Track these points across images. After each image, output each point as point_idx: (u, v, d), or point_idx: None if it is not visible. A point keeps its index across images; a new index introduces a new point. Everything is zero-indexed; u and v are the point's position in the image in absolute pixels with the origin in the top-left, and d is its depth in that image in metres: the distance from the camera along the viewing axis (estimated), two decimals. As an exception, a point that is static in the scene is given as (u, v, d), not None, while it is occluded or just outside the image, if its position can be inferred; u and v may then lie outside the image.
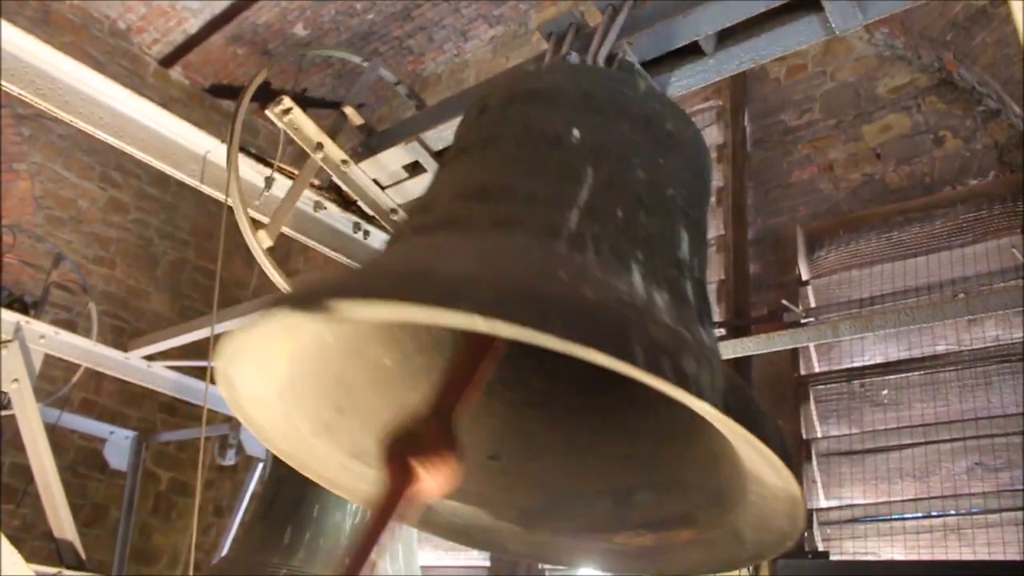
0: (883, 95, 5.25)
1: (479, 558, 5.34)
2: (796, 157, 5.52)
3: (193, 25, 8.15)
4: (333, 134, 2.36)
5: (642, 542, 1.36)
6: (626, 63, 1.68)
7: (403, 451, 0.93)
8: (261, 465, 4.66)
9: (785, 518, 1.15)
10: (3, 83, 2.06)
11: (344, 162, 2.32)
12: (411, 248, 1.22)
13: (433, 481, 0.92)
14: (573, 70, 1.51)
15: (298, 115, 2.30)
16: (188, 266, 8.61)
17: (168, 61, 8.63)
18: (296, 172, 2.38)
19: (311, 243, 2.45)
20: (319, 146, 2.31)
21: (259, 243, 2.17)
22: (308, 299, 0.93)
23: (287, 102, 2.28)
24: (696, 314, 1.22)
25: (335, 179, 2.38)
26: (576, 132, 1.34)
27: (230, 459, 4.57)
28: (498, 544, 1.46)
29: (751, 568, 3.17)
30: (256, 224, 2.22)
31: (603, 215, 1.20)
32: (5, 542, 1.68)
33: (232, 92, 8.89)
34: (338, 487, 1.40)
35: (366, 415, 1.39)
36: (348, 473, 1.40)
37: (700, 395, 0.87)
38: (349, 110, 2.45)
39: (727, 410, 0.89)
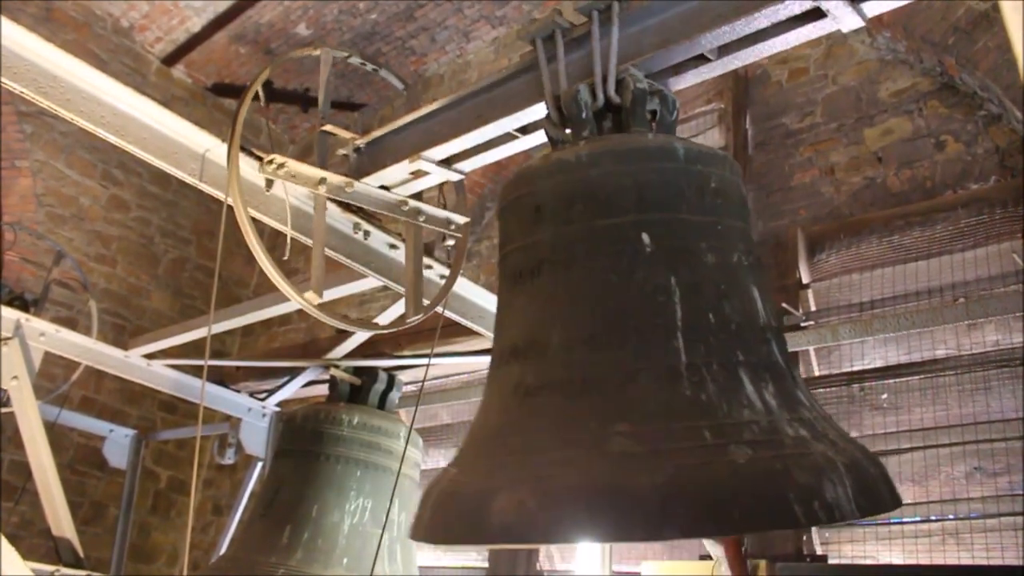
0: (885, 99, 5.25)
1: (477, 558, 5.34)
2: (797, 160, 5.52)
3: (196, 24, 8.15)
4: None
5: None
6: (639, 91, 1.68)
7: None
8: (260, 464, 4.66)
9: None
10: (5, 81, 2.06)
11: (348, 184, 2.32)
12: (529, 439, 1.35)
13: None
14: (612, 155, 1.54)
15: (292, 165, 2.31)
16: (189, 264, 8.61)
17: (171, 60, 8.63)
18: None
19: (308, 241, 2.44)
20: (322, 180, 2.31)
21: (308, 302, 2.21)
22: None
23: (277, 158, 2.30)
24: (789, 373, 1.39)
25: (343, 199, 2.38)
26: (645, 237, 1.41)
27: (229, 458, 4.57)
28: None
29: (749, 572, 3.17)
30: (297, 285, 2.25)
31: (699, 327, 1.34)
32: (3, 540, 1.68)
33: (234, 91, 8.89)
34: None
35: None
36: None
37: (843, 518, 1.14)
38: (331, 127, 2.46)
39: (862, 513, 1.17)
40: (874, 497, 1.24)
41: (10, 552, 1.63)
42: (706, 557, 3.70)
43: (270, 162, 2.29)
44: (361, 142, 2.40)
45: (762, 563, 3.17)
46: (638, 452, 1.17)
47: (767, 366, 1.35)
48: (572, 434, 1.26)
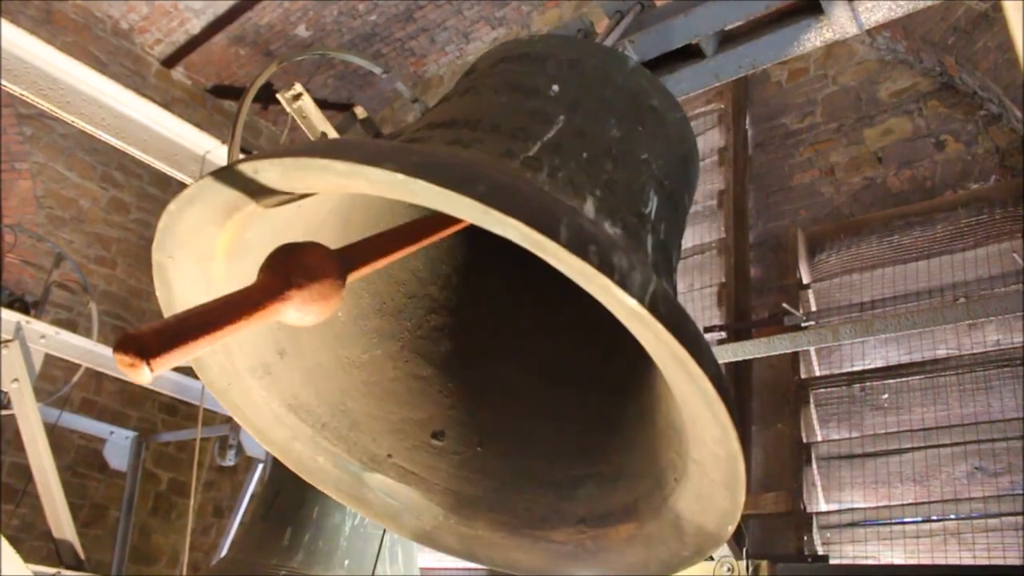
0: (885, 99, 5.25)
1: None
2: (797, 160, 5.52)
3: (195, 26, 8.16)
4: (340, 132, 2.36)
5: (581, 539, 1.32)
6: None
7: (286, 263, 0.84)
8: (261, 466, 4.66)
9: (725, 489, 1.07)
10: (5, 83, 2.06)
11: None
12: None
13: (301, 302, 0.83)
14: (564, 40, 1.50)
15: (308, 103, 2.30)
16: (189, 266, 8.60)
17: (170, 61, 8.64)
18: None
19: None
20: (323, 135, 2.31)
21: None
22: (232, 168, 0.89)
23: (299, 87, 2.29)
24: (650, 262, 1.16)
25: None
26: (555, 87, 1.32)
27: (230, 460, 4.56)
28: (428, 535, 1.40)
29: (750, 572, 3.16)
30: None
31: (566, 153, 1.18)
32: (4, 542, 1.68)
33: (234, 93, 8.90)
34: (270, 443, 1.33)
35: (309, 365, 1.35)
36: (282, 428, 1.34)
37: (625, 288, 0.80)
38: (359, 109, 2.45)
39: (654, 310, 0.81)
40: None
41: (11, 554, 1.63)
42: (707, 557, 3.70)
43: (290, 87, 2.30)
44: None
45: (763, 563, 3.16)
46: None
47: (625, 226, 1.16)
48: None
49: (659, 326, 0.82)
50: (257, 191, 0.94)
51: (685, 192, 1.45)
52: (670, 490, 1.20)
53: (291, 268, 0.84)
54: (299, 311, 0.84)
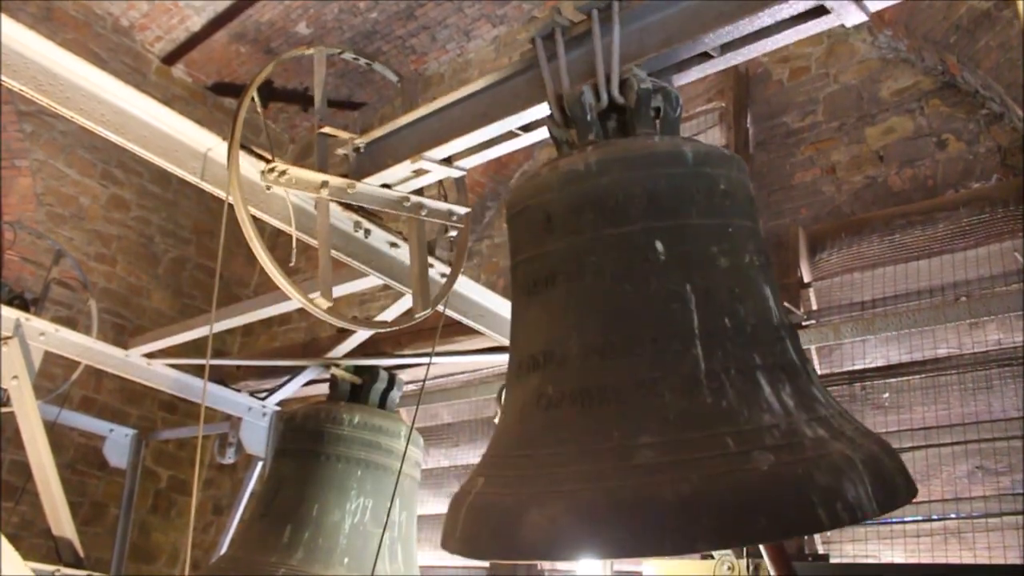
0: (886, 98, 5.24)
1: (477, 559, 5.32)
2: (799, 159, 5.51)
3: (196, 23, 8.15)
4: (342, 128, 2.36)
5: None
6: (643, 92, 1.68)
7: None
8: (261, 464, 4.65)
9: None
10: (4, 79, 2.05)
11: (350, 186, 2.32)
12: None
13: None
14: (621, 163, 1.54)
15: (293, 171, 2.31)
16: (189, 264, 8.61)
17: (171, 59, 8.63)
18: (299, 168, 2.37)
19: (312, 242, 2.43)
20: (324, 184, 2.31)
21: (318, 306, 2.20)
22: None
23: (279, 165, 2.29)
24: (804, 371, 1.40)
25: (345, 201, 2.38)
26: (658, 245, 1.41)
27: (230, 457, 4.56)
28: None
29: (750, 571, 3.16)
30: (307, 291, 2.24)
31: (716, 333, 1.34)
32: (4, 540, 1.67)
33: (235, 90, 8.89)
34: None
35: None
36: None
37: (865, 518, 1.14)
38: (329, 129, 2.46)
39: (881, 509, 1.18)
40: (892, 490, 1.26)
41: (10, 552, 1.62)
42: (708, 556, 3.69)
43: (271, 170, 2.28)
44: (361, 142, 2.39)
45: (764, 562, 3.16)
46: (662, 463, 1.18)
47: (783, 366, 1.36)
48: (596, 446, 1.26)
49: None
50: None
51: (759, 227, 1.62)
52: None
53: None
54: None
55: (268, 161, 2.32)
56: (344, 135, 2.42)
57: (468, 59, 7.93)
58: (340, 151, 2.41)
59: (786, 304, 4.62)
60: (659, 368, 1.30)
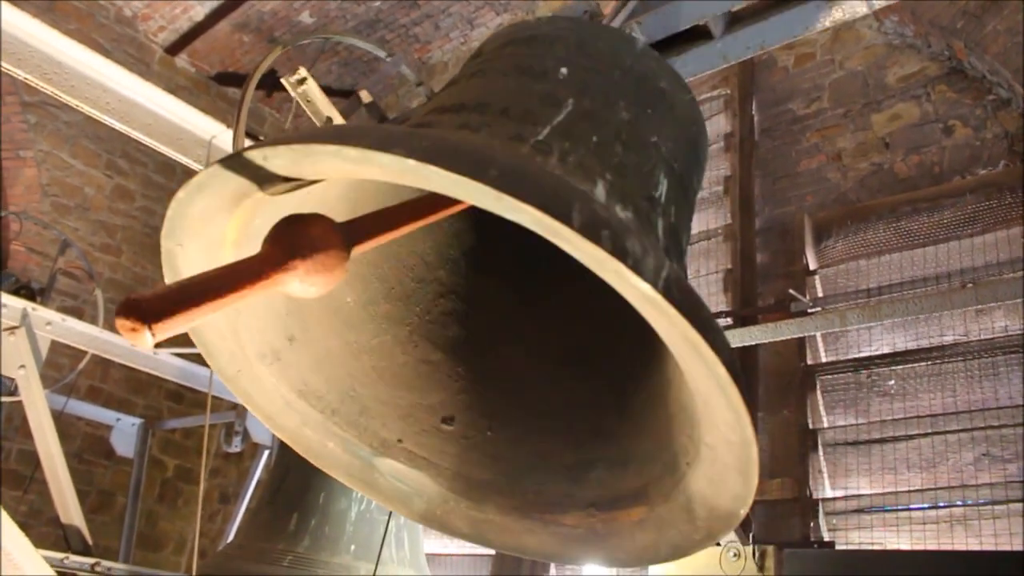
0: (892, 84, 5.22)
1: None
2: (804, 146, 5.50)
3: (199, 13, 8.13)
4: (345, 117, 2.35)
5: (592, 523, 1.31)
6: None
7: (290, 235, 0.84)
8: (267, 452, 4.67)
9: (737, 474, 1.07)
10: (9, 68, 2.05)
11: None
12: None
13: (304, 273, 0.83)
14: (572, 22, 1.49)
15: (312, 87, 2.30)
16: (194, 254, 8.60)
17: (174, 49, 8.62)
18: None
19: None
20: (328, 120, 2.30)
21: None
22: (241, 155, 0.88)
23: (303, 72, 2.28)
24: (662, 246, 1.16)
25: None
26: (564, 70, 1.32)
27: (236, 446, 4.57)
28: (439, 519, 1.40)
29: (756, 558, 3.16)
30: None
31: (575, 136, 1.18)
32: (15, 527, 1.68)
33: (238, 80, 8.88)
34: (280, 429, 1.32)
35: (318, 351, 1.35)
36: (292, 414, 1.34)
37: (638, 272, 0.80)
38: (364, 93, 2.45)
39: (667, 295, 0.81)
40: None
41: (22, 540, 1.63)
42: (714, 544, 3.71)
43: (295, 72, 2.29)
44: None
45: (770, 549, 3.16)
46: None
47: (636, 209, 1.16)
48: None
49: (673, 311, 0.82)
50: (266, 178, 0.93)
51: (695, 175, 1.44)
52: (681, 474, 1.19)
53: (295, 239, 0.84)
54: (302, 282, 0.84)
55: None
56: (368, 98, 2.42)
57: (472, 47, 7.90)
58: None
59: (792, 291, 4.62)
60: (491, 121, 1.19)
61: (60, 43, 2.14)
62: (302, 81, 2.29)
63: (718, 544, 3.52)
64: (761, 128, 5.76)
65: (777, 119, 5.72)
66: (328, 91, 7.41)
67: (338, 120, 2.32)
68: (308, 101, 2.30)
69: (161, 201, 8.44)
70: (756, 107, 5.84)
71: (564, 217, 0.78)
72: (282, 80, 2.30)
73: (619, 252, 0.80)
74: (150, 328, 0.69)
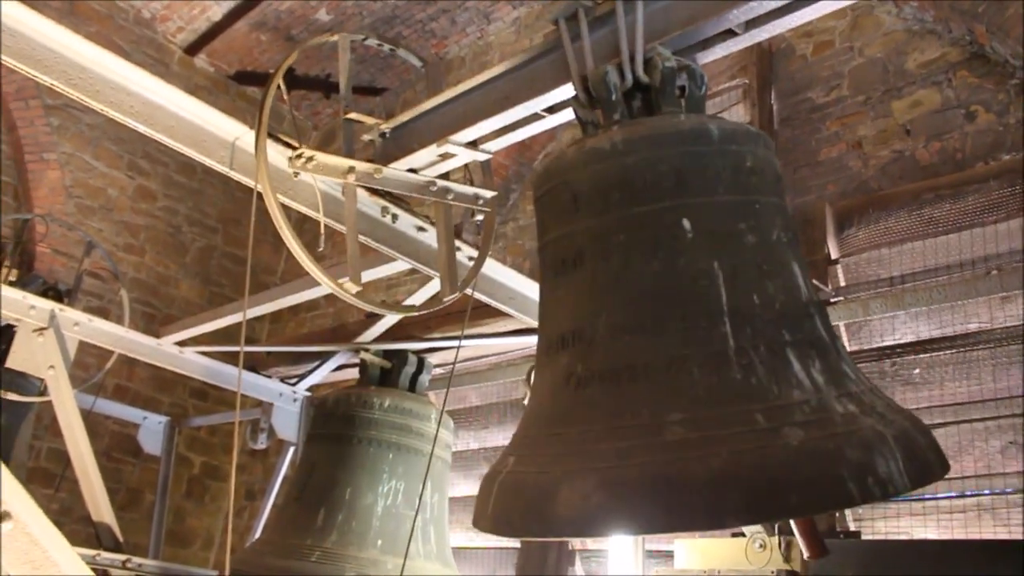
0: (913, 70, 5.17)
1: (509, 539, 5.36)
2: (824, 135, 5.46)
3: (217, 12, 8.18)
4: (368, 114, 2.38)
5: None
6: (667, 70, 1.67)
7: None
8: (292, 449, 4.71)
9: None
10: (36, 74, 2.08)
11: (376, 171, 2.33)
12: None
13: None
14: (647, 141, 1.54)
15: (320, 157, 2.32)
16: (216, 252, 8.68)
17: (193, 49, 8.67)
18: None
19: (340, 228, 2.45)
20: (350, 170, 2.33)
21: (347, 291, 2.21)
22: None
23: (305, 152, 2.30)
24: (834, 347, 1.40)
25: (372, 187, 2.39)
26: (686, 223, 1.40)
27: (261, 443, 4.61)
28: None
29: (782, 548, 3.16)
30: (335, 275, 2.25)
31: (744, 310, 1.33)
32: (51, 526, 1.72)
33: (257, 79, 8.93)
34: None
35: None
36: None
37: (896, 493, 1.14)
38: (354, 115, 2.47)
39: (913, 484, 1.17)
40: (924, 466, 1.25)
41: (59, 538, 1.66)
42: (739, 534, 3.70)
43: (298, 156, 2.30)
44: (386, 127, 2.40)
45: (795, 539, 3.16)
46: (692, 439, 1.18)
47: (812, 342, 1.36)
48: (626, 423, 1.27)
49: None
50: None
51: (785, 203, 1.63)
52: None
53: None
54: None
55: (294, 148, 2.34)
56: (370, 120, 2.43)
57: (488, 42, 7.90)
58: (366, 137, 2.43)
59: (814, 281, 4.59)
60: (687, 346, 1.31)
61: (84, 48, 2.16)
62: (310, 159, 2.31)
63: (743, 535, 3.52)
64: (780, 118, 5.73)
65: (796, 108, 5.68)
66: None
67: (357, 164, 2.33)
68: (324, 169, 2.33)
69: (183, 201, 8.52)
70: (775, 96, 5.80)
71: (849, 502, 1.20)
72: (290, 168, 2.32)
73: (883, 490, 1.18)
74: None
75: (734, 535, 3.82)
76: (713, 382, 1.26)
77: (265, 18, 8.14)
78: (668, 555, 4.21)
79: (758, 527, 3.21)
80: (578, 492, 1.21)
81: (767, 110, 5.75)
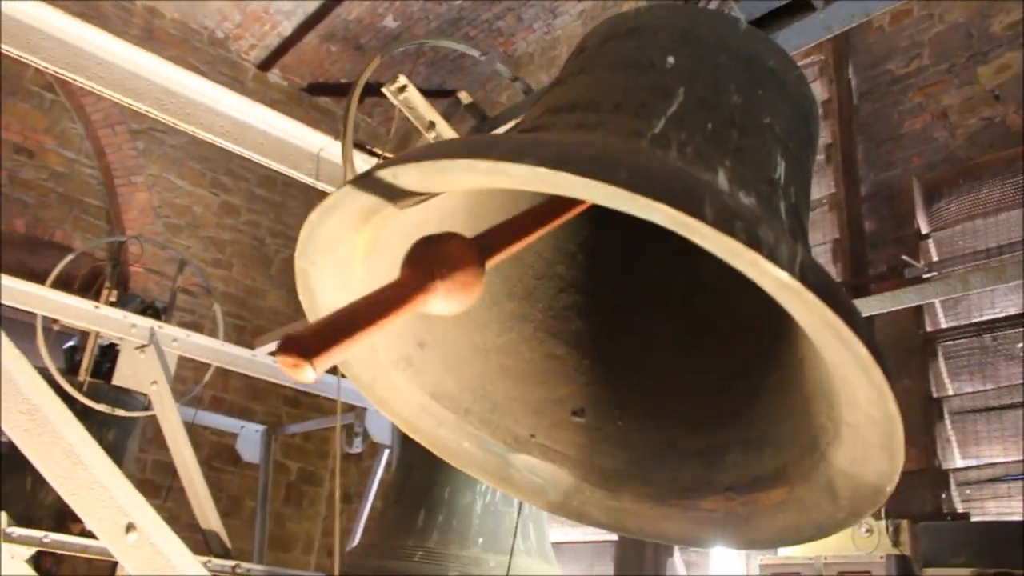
0: (998, 33, 4.99)
1: (606, 532, 5.36)
2: (907, 107, 5.31)
3: (287, 28, 8.35)
4: (447, 119, 2.39)
5: (731, 507, 1.31)
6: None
7: (428, 256, 0.87)
8: (387, 451, 4.78)
9: (881, 451, 1.05)
10: (130, 102, 2.16)
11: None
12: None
13: (446, 292, 0.85)
14: (673, 9, 1.48)
15: (413, 93, 2.34)
16: (300, 262, 8.86)
17: (266, 65, 8.88)
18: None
19: (427, 232, 2.47)
20: (431, 125, 2.34)
21: None
22: (372, 175, 0.92)
23: (403, 79, 2.32)
24: (787, 229, 1.16)
25: None
26: (670, 59, 1.32)
27: (357, 447, 4.70)
28: (576, 509, 1.41)
29: (890, 532, 3.09)
30: None
31: (691, 126, 1.18)
32: (172, 534, 1.79)
33: (329, 89, 9.09)
34: (418, 432, 1.37)
35: (449, 353, 1.38)
36: (427, 416, 1.38)
37: (774, 261, 0.80)
38: (463, 95, 2.48)
39: (804, 280, 0.81)
40: None
41: (179, 546, 1.73)
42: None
43: (394, 80, 2.33)
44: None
45: (903, 523, 3.09)
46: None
47: (759, 194, 1.16)
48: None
49: (811, 296, 0.82)
50: (395, 194, 0.97)
51: (809, 152, 1.42)
52: (820, 455, 1.18)
53: (433, 260, 0.86)
54: (445, 301, 0.86)
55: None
56: (469, 99, 2.46)
57: (556, 36, 7.89)
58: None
59: (905, 257, 4.47)
60: (606, 118, 1.19)
61: (174, 73, 2.24)
62: (403, 88, 2.34)
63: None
64: (860, 92, 5.58)
65: (876, 81, 5.53)
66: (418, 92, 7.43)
67: (441, 123, 2.36)
68: (410, 107, 2.35)
69: (265, 213, 8.72)
70: (853, 70, 5.66)
71: (697, 212, 0.79)
72: (383, 89, 2.35)
73: (753, 242, 0.80)
74: (311, 363, 0.73)
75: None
76: (615, 140, 1.14)
77: (334, 29, 8.28)
78: (769, 543, 4.15)
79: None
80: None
81: (845, 85, 5.62)
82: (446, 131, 2.35)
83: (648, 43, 1.39)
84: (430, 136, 2.34)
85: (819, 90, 5.72)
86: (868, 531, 3.15)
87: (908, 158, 5.19)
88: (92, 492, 1.75)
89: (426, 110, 2.34)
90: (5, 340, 1.73)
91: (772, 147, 1.29)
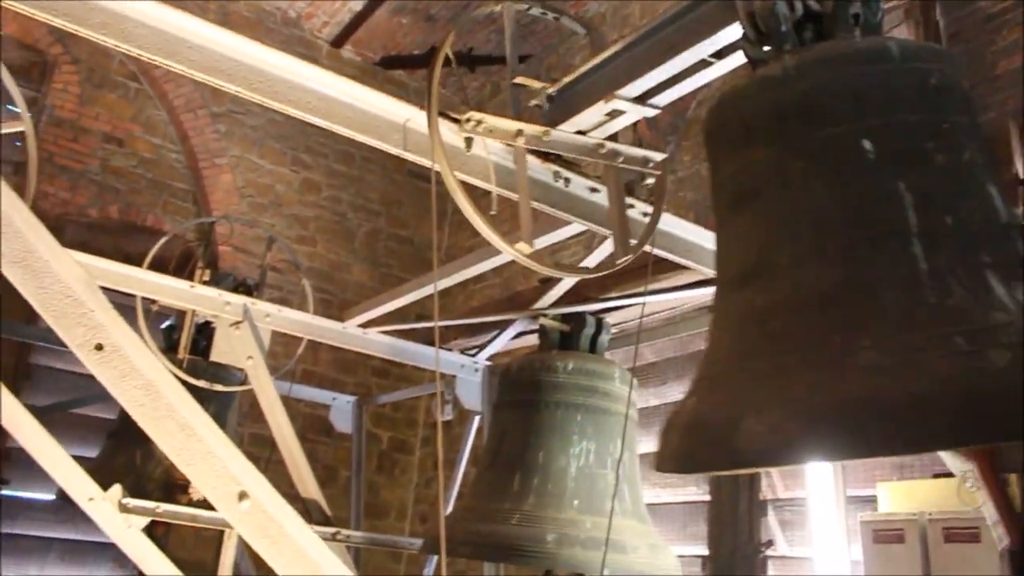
0: (1099, -39, 4.72)
1: (698, 492, 5.34)
2: (1000, 46, 5.07)
3: (358, 3, 8.41)
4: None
5: None
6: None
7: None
8: (478, 418, 4.84)
9: None
10: (221, 84, 2.21)
11: (545, 133, 2.34)
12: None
13: None
14: (822, 64, 1.46)
15: (490, 120, 2.33)
16: (382, 235, 9.00)
17: (339, 41, 8.96)
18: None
19: (512, 196, 2.47)
20: (519, 132, 2.33)
21: (520, 252, 2.21)
22: None
23: (474, 115, 2.31)
24: None
25: (541, 149, 2.40)
26: (867, 144, 1.34)
27: (447, 414, 4.77)
28: None
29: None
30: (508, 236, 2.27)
31: (936, 231, 1.26)
32: (284, 502, 1.85)
33: (401, 62, 9.13)
34: None
35: None
36: None
37: None
38: (521, 80, 2.47)
39: None
40: None
41: (291, 513, 1.79)
42: (942, 475, 3.53)
43: (467, 120, 2.33)
44: (553, 90, 2.41)
45: (1013, 477, 3.00)
46: (888, 364, 1.13)
47: (1014, 264, 1.26)
48: (815, 354, 1.22)
49: None
50: None
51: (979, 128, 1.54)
52: None
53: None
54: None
55: (458, 121, 2.36)
56: (536, 84, 2.44)
57: (626, -5, 7.76)
58: (533, 102, 2.44)
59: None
60: (876, 270, 1.24)
61: (263, 54, 2.28)
62: (479, 123, 2.32)
63: (949, 475, 3.37)
64: (949, 33, 5.36)
65: (966, 21, 5.30)
66: (489, 59, 7.43)
67: (526, 127, 2.33)
68: (492, 131, 2.33)
69: (345, 189, 8.85)
70: (940, 12, 5.43)
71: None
72: (461, 132, 2.33)
73: None
74: None
75: (936, 476, 3.65)
76: (907, 306, 1.19)
77: (404, 2, 8.30)
78: (869, 500, 4.09)
79: (969, 465, 3.07)
80: (763, 422, 1.18)
81: (933, 27, 5.39)
82: (532, 130, 2.34)
83: (832, 127, 1.42)
84: (519, 142, 2.33)
85: (906, 34, 5.51)
86: (974, 486, 3.07)
87: (1003, 100, 4.97)
88: (206, 462, 1.82)
89: (508, 125, 2.33)
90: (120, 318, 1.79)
91: (984, 181, 1.39)
